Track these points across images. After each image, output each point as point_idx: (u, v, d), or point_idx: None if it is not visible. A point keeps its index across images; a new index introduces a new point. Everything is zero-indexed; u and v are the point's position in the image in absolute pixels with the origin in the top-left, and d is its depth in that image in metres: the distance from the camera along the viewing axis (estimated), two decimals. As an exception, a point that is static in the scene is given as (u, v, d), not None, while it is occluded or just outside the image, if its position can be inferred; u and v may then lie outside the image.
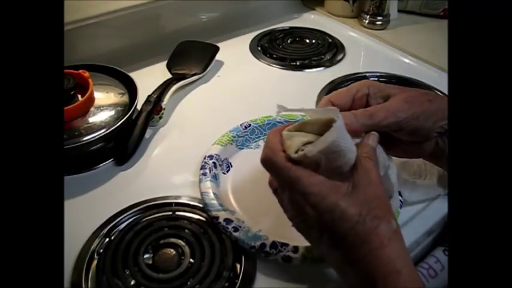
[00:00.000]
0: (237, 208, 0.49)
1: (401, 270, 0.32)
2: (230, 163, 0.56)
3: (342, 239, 0.33)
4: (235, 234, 0.44)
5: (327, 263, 0.38)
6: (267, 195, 0.46)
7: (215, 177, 0.52)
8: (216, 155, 0.54)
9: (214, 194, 0.48)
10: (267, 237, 0.44)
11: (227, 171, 0.54)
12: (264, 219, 0.47)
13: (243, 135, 0.58)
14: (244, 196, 0.51)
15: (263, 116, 0.60)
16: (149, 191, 0.51)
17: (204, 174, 0.51)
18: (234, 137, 0.57)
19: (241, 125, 0.59)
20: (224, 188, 0.52)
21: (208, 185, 0.50)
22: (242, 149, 0.58)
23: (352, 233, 0.33)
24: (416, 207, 0.49)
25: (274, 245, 0.43)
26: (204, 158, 0.53)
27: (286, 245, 0.43)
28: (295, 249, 0.43)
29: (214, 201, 0.47)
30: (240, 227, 0.45)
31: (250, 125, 0.59)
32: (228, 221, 0.45)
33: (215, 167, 0.53)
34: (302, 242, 0.39)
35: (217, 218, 0.46)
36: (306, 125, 0.38)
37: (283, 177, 0.36)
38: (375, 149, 0.38)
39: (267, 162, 0.37)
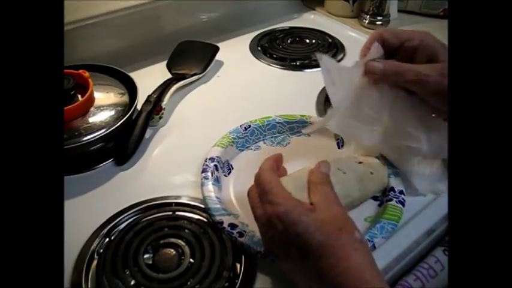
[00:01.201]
0: (240, 211, 0.49)
1: (369, 280, 0.32)
2: (231, 165, 0.55)
3: (309, 251, 0.34)
4: (241, 239, 0.43)
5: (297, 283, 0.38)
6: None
7: (217, 180, 0.51)
8: (217, 157, 0.53)
9: (217, 197, 0.48)
10: None
11: (228, 174, 0.54)
12: None
13: (243, 137, 0.57)
14: (247, 199, 0.51)
15: (263, 116, 0.60)
16: (149, 191, 0.51)
17: (206, 177, 0.50)
18: (234, 138, 0.56)
19: (241, 126, 0.58)
20: (226, 191, 0.51)
21: (210, 188, 0.49)
22: (242, 150, 0.57)
23: (318, 245, 0.33)
24: (416, 207, 0.49)
25: None
26: (206, 161, 0.52)
27: None
28: None
29: (218, 206, 0.47)
30: (245, 231, 0.44)
31: (250, 126, 0.58)
32: (232, 226, 0.45)
33: (217, 169, 0.52)
34: None
35: (221, 223, 0.45)
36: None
37: (262, 186, 0.38)
38: (327, 175, 0.40)
39: (256, 176, 0.40)
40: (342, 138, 0.58)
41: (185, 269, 0.42)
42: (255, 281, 0.42)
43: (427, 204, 0.50)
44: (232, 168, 0.55)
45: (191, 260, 0.43)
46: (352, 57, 0.82)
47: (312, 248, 0.33)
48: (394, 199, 0.48)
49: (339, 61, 0.80)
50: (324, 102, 0.67)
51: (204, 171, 0.51)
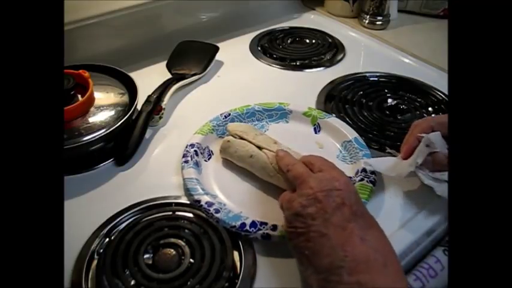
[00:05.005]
0: (218, 193, 0.51)
1: None
2: (211, 151, 0.57)
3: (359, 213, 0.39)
4: (217, 215, 0.46)
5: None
6: (248, 181, 0.53)
7: (197, 164, 0.53)
8: (197, 143, 0.56)
9: (196, 179, 0.50)
10: (247, 217, 0.46)
11: (208, 159, 0.56)
12: (245, 202, 0.50)
13: (223, 124, 0.60)
14: (226, 182, 0.53)
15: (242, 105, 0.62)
16: (149, 191, 0.51)
17: (186, 161, 0.53)
18: (214, 126, 0.59)
19: (221, 114, 0.61)
20: (206, 175, 0.54)
21: (190, 171, 0.51)
22: (222, 137, 0.59)
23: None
24: (417, 207, 0.50)
25: (253, 224, 0.45)
26: (186, 147, 0.55)
27: (265, 223, 0.45)
28: (274, 227, 0.45)
29: (197, 186, 0.49)
30: (221, 208, 0.47)
31: (229, 114, 0.61)
32: (209, 203, 0.47)
33: (196, 154, 0.54)
34: (281, 221, 0.43)
35: (199, 201, 0.47)
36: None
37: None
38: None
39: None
40: (318, 123, 0.60)
41: (185, 269, 0.42)
42: (255, 281, 0.42)
43: (427, 204, 0.50)
44: (213, 154, 0.57)
45: (191, 260, 0.43)
46: (352, 57, 0.82)
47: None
48: (366, 179, 0.50)
49: (339, 61, 0.80)
50: (324, 102, 0.67)
51: (184, 156, 0.53)
